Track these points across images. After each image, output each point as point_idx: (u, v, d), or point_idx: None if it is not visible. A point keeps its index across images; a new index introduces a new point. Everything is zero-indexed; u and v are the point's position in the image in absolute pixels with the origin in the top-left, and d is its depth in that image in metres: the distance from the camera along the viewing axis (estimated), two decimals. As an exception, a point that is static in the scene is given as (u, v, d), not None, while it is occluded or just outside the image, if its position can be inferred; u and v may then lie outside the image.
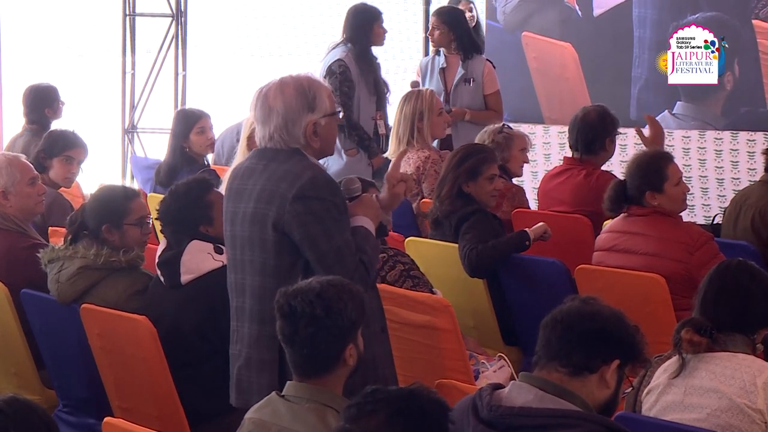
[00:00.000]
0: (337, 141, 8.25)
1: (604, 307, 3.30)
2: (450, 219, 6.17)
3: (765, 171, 6.60)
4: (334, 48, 8.46)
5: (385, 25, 8.54)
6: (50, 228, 6.44)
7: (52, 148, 6.99)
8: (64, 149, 7.00)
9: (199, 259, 4.92)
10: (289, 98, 4.21)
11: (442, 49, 8.63)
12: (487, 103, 8.60)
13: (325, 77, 8.34)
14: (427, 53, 10.02)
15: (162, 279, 5.01)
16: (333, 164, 8.27)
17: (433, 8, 10.08)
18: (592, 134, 6.88)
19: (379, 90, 8.43)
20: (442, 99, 8.41)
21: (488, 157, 6.28)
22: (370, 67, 8.42)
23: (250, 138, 6.65)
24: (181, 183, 5.25)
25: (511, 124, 7.75)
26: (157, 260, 5.03)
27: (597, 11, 9.83)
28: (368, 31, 8.42)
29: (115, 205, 5.24)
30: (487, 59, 8.71)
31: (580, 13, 9.85)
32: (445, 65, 8.60)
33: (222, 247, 4.89)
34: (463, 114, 8.45)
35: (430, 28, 8.74)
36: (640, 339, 3.30)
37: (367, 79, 8.39)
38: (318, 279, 3.63)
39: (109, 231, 5.19)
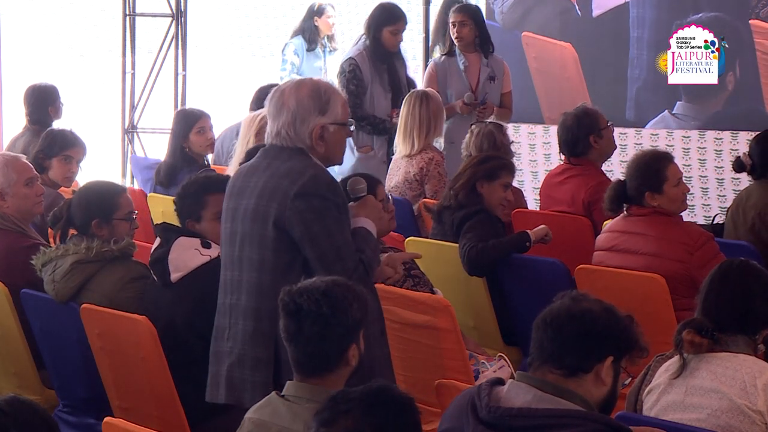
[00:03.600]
0: (350, 139, 8.30)
1: (594, 302, 3.28)
2: (454, 215, 6.19)
3: (748, 174, 6.60)
4: (356, 42, 8.51)
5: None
6: (50, 228, 6.44)
7: (50, 148, 6.98)
8: (63, 149, 6.99)
9: (186, 256, 4.91)
10: (303, 97, 4.23)
11: (457, 49, 8.56)
12: (503, 102, 8.62)
13: (338, 75, 8.40)
14: (427, 53, 9.98)
15: (155, 278, 5.01)
16: (345, 161, 8.29)
17: (433, 9, 10.06)
18: (572, 137, 6.91)
19: (395, 87, 8.41)
20: (466, 97, 8.38)
21: (509, 165, 6.42)
22: (384, 65, 8.41)
23: (258, 135, 6.67)
24: (199, 174, 5.27)
25: (511, 124, 7.78)
26: (149, 259, 5.04)
27: (596, 12, 9.84)
28: (378, 33, 8.41)
29: (105, 199, 5.26)
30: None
31: (578, 9, 9.86)
32: (467, 63, 8.56)
33: (209, 241, 4.90)
34: (492, 110, 8.45)
35: (454, 25, 8.55)
36: (634, 330, 3.27)
37: (382, 76, 8.39)
38: (322, 278, 3.63)
39: (99, 226, 5.20)
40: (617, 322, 3.25)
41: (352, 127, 4.43)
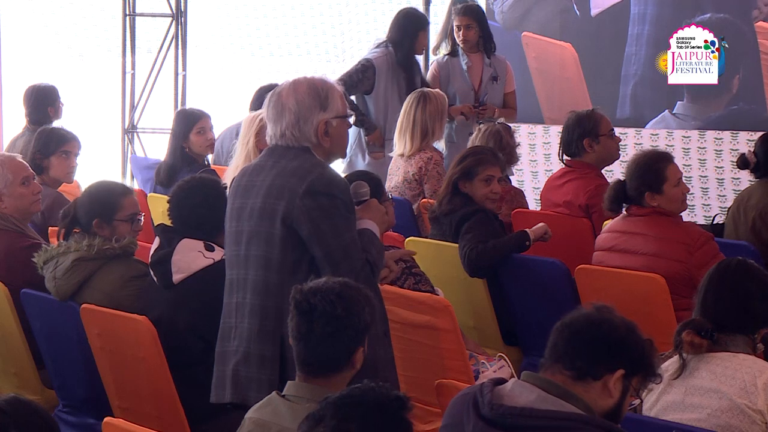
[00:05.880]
0: (363, 142, 8.30)
1: (617, 317, 3.27)
2: (450, 217, 6.17)
3: (751, 172, 6.61)
4: (375, 47, 8.49)
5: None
6: (50, 228, 6.44)
7: (47, 146, 6.96)
8: (60, 145, 6.97)
9: (190, 258, 4.91)
10: (302, 96, 4.24)
11: (460, 49, 8.56)
12: (507, 101, 8.63)
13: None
14: (427, 53, 9.98)
15: (155, 279, 5.01)
16: (357, 165, 8.30)
17: (434, 9, 10.06)
18: (568, 137, 6.91)
19: None
20: (472, 98, 8.40)
21: (485, 158, 6.25)
22: (406, 72, 8.40)
23: (258, 135, 6.65)
24: (215, 186, 5.18)
25: (511, 124, 7.79)
26: (149, 260, 5.03)
27: (594, 11, 9.84)
28: (413, 38, 8.41)
29: (108, 200, 5.25)
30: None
31: (577, 9, 9.86)
32: (470, 63, 8.57)
33: (212, 244, 4.90)
34: (493, 111, 8.45)
35: (459, 28, 8.55)
36: (650, 353, 3.26)
37: (401, 84, 8.38)
38: (333, 279, 3.63)
39: (100, 226, 5.20)
40: (635, 338, 3.24)
41: (352, 119, 4.45)
